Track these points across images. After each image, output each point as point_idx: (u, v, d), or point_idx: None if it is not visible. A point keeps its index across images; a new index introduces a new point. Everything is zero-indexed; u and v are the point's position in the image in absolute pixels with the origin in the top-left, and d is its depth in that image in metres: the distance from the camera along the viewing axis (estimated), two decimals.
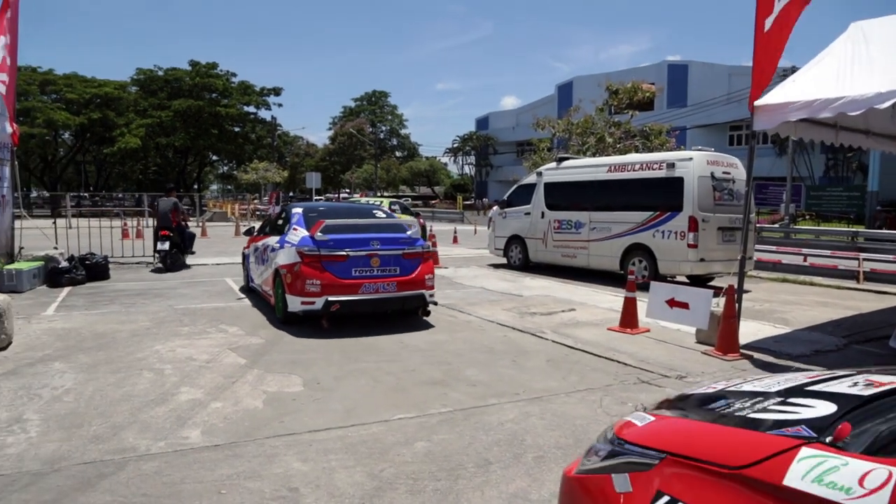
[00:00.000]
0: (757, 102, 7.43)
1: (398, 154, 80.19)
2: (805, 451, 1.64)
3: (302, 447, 4.12)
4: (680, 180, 11.02)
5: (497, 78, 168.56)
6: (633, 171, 11.95)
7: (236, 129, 51.47)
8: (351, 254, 7.64)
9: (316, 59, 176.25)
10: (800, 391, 2.12)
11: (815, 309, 10.11)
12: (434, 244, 15.89)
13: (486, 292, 11.16)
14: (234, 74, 50.73)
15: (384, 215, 9.37)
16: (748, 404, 2.10)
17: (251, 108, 52.16)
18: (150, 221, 14.54)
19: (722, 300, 7.08)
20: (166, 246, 13.34)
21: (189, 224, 15.40)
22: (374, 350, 6.82)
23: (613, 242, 12.11)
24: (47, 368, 5.86)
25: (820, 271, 14.17)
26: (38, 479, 3.61)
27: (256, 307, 9.27)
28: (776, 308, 10.01)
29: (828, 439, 1.67)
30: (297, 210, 8.86)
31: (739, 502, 1.66)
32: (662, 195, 11.32)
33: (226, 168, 66.66)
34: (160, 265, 13.52)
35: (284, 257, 7.94)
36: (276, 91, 52.58)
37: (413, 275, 7.96)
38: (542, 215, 13.71)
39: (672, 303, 7.55)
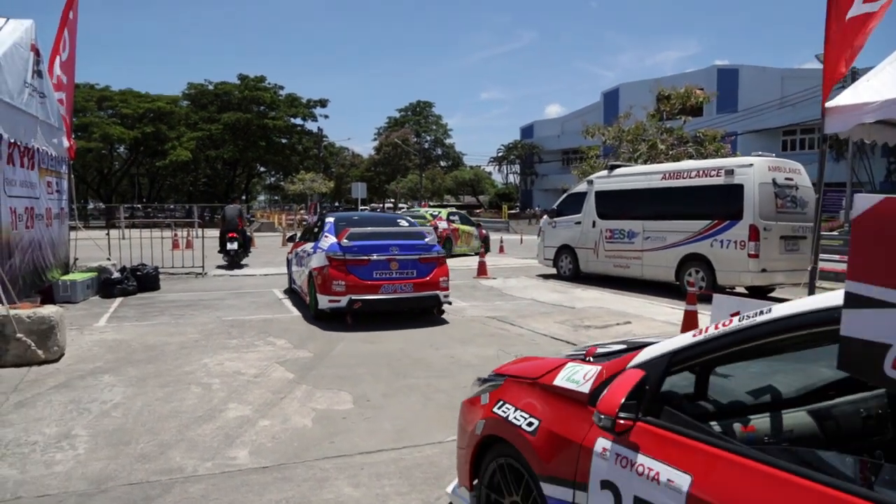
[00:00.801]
0: (829, 104, 7.00)
1: (443, 164, 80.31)
2: (569, 365, 2.60)
3: (353, 470, 3.92)
4: (740, 187, 10.54)
5: (541, 87, 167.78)
6: (690, 178, 11.51)
7: (283, 141, 52.31)
8: (373, 258, 8.61)
9: (361, 70, 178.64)
10: (621, 344, 3.04)
11: None
12: (483, 254, 15.68)
13: (536, 304, 10.86)
14: (281, 87, 51.67)
15: (407, 224, 10.16)
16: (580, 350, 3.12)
17: (298, 120, 53.00)
18: (200, 232, 14.91)
19: None
20: (235, 245, 15.56)
21: (247, 229, 17.26)
22: (423, 365, 6.61)
23: (669, 252, 11.66)
24: (97, 381, 5.83)
25: None
26: (85, 501, 3.49)
27: (303, 318, 9.18)
28: None
29: (585, 357, 2.71)
30: (330, 219, 9.76)
31: (534, 397, 2.65)
32: (721, 203, 10.85)
33: (273, 179, 67.85)
34: (226, 262, 15.70)
35: (316, 261, 8.96)
36: (323, 103, 53.34)
37: (428, 277, 8.89)
38: (594, 224, 13.34)
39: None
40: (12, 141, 8.14)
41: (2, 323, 6.32)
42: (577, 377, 2.44)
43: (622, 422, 2.05)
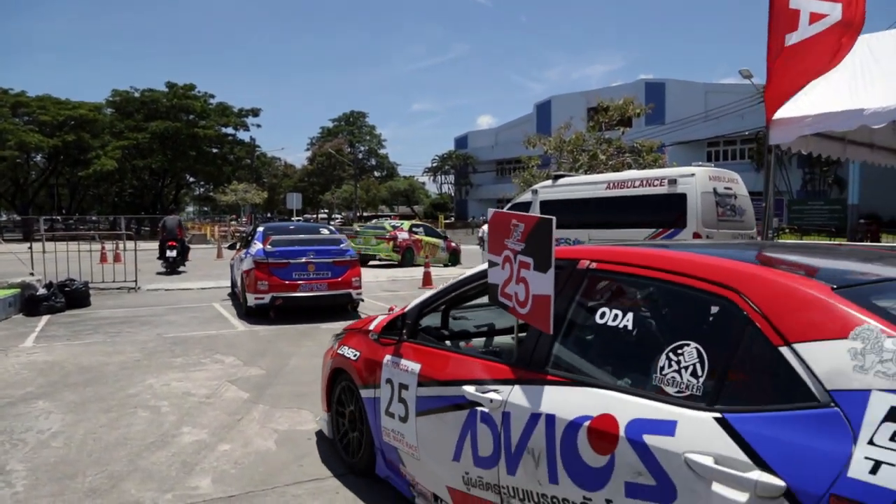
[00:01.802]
0: (774, 116, 7.22)
1: (377, 174, 79.86)
2: (379, 316, 4.04)
3: (329, 496, 3.69)
4: (683, 196, 10.80)
5: (472, 98, 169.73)
6: (634, 187, 11.73)
7: (214, 151, 50.62)
8: (291, 261, 9.90)
9: (293, 80, 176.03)
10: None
11: None
12: (427, 264, 15.55)
13: None
14: (212, 96, 50.10)
15: (328, 232, 11.87)
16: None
17: (229, 130, 51.49)
18: (130, 245, 14.29)
19: None
20: (174, 253, 17.27)
21: (185, 239, 18.99)
22: None
23: None
24: (30, 409, 5.35)
25: None
26: None
27: (248, 333, 8.80)
28: None
29: (389, 310, 4.16)
30: (260, 228, 11.23)
31: (358, 339, 3.98)
32: (665, 212, 11.09)
33: (202, 190, 65.71)
34: (165, 269, 17.27)
35: (246, 264, 10.21)
36: (255, 112, 52.01)
37: (341, 277, 10.19)
38: None
39: None
40: None
41: None
42: (378, 321, 3.92)
43: (385, 339, 3.68)
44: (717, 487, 1.75)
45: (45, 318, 9.99)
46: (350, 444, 4.07)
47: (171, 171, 48.78)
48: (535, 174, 20.36)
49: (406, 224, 21.66)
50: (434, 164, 70.31)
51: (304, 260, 9.94)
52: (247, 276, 10.00)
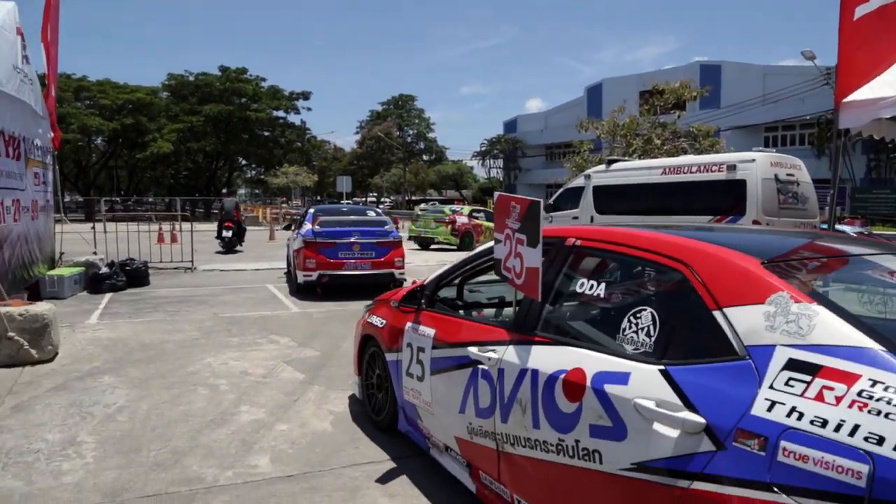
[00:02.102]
0: (844, 99, 6.88)
1: (425, 158, 79.93)
2: (411, 287, 4.22)
3: (385, 479, 3.71)
4: (742, 183, 10.46)
5: (521, 81, 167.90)
6: (691, 173, 11.41)
7: (266, 134, 51.47)
8: (337, 241, 10.44)
9: (342, 63, 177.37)
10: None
11: None
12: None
13: None
14: (263, 79, 50.81)
15: (374, 215, 12.34)
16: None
17: (280, 113, 52.20)
18: (186, 226, 14.73)
19: None
20: (230, 234, 18.50)
21: (242, 220, 20.40)
22: None
23: None
24: (97, 383, 5.55)
25: None
26: None
27: (302, 314, 8.94)
28: None
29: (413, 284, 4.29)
30: (311, 210, 11.87)
31: (385, 309, 4.43)
32: (723, 198, 10.77)
33: (254, 172, 66.95)
34: (222, 248, 18.48)
35: (297, 244, 11.00)
36: (306, 95, 52.52)
37: (385, 258, 10.65)
38: (591, 220, 13.20)
39: None
40: (2, 130, 7.77)
41: None
42: (402, 293, 4.39)
43: (405, 307, 4.16)
44: (656, 426, 2.14)
45: (107, 296, 10.35)
46: (377, 403, 4.59)
47: (224, 153, 49.83)
48: (587, 158, 20.02)
49: (466, 209, 21.83)
50: (483, 148, 69.83)
51: (349, 240, 10.45)
52: (297, 254, 10.78)
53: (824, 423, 1.76)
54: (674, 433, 2.08)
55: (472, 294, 4.65)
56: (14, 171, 8.56)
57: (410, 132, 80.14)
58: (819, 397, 1.82)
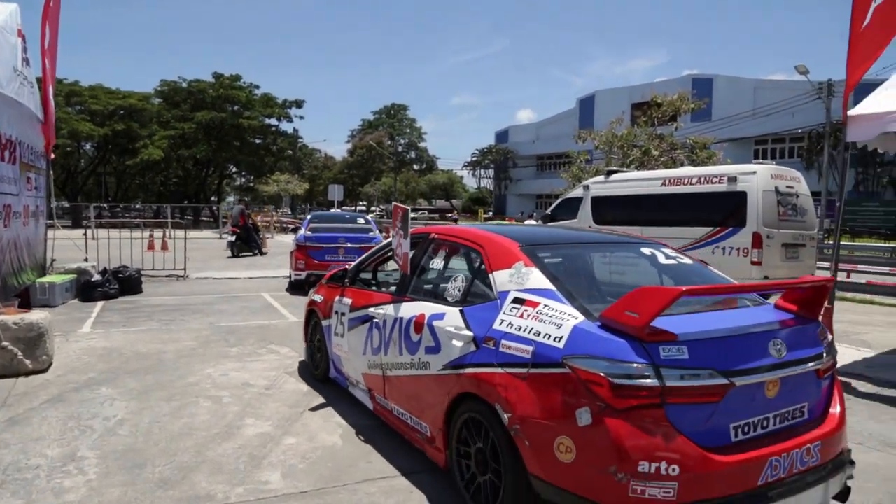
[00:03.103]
0: (851, 112, 6.86)
1: (416, 167, 79.93)
2: (339, 270, 5.86)
3: (402, 495, 3.59)
4: (743, 195, 10.42)
5: (513, 92, 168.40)
6: (691, 184, 11.37)
7: (258, 141, 51.09)
8: (324, 245, 11.87)
9: (335, 72, 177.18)
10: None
11: (891, 331, 9.50)
12: None
13: None
14: (257, 86, 50.44)
15: (363, 222, 13.87)
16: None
17: (273, 121, 51.90)
18: (178, 233, 14.86)
19: None
20: (233, 238, 19.85)
21: (256, 226, 21.61)
22: None
23: None
24: (95, 395, 5.38)
25: (877, 289, 13.51)
26: None
27: (300, 324, 8.76)
28: (848, 329, 9.39)
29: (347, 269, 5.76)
30: (308, 216, 13.99)
31: (323, 287, 5.98)
32: (724, 210, 10.72)
33: (242, 180, 66.53)
34: (230, 253, 19.74)
35: (292, 246, 12.55)
36: (299, 103, 52.21)
37: None
38: (590, 229, 13.14)
39: None
40: (1, 133, 7.60)
41: None
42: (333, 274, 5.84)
43: (333, 285, 5.62)
44: (454, 341, 3.58)
45: (100, 304, 10.14)
46: (317, 361, 6.02)
47: (215, 160, 49.38)
48: (583, 168, 20.02)
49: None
50: (474, 158, 70.04)
51: (335, 245, 11.86)
52: (291, 256, 12.52)
53: (520, 328, 3.19)
54: (460, 343, 3.53)
55: (386, 275, 5.98)
56: (8, 175, 8.36)
57: (402, 141, 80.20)
58: (521, 316, 3.24)
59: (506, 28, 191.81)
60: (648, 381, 2.65)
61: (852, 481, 3.20)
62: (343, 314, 5.18)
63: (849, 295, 12.98)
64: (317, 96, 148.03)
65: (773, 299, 3.70)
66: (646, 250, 4.16)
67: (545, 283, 3.29)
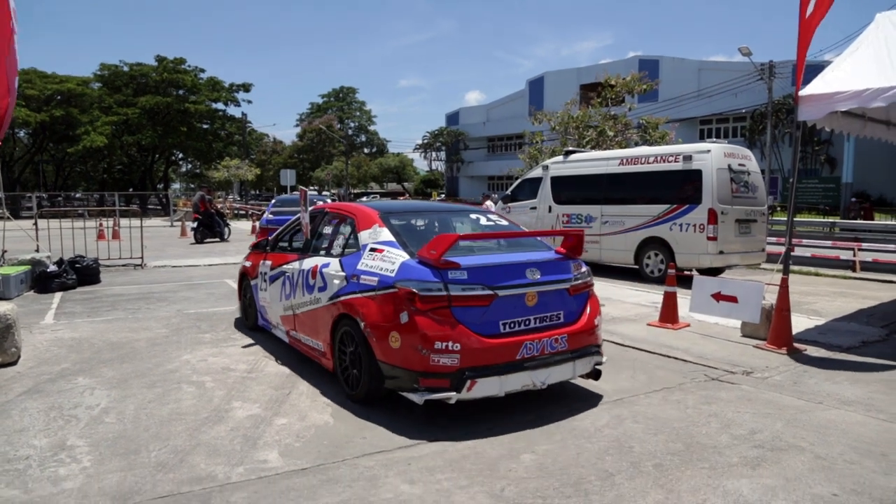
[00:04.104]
0: (802, 92, 7.18)
1: (367, 150, 79.27)
2: (261, 243, 7.62)
3: (401, 466, 3.70)
4: (698, 172, 10.82)
5: (461, 74, 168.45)
6: (648, 163, 11.72)
7: (205, 127, 49.94)
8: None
9: (282, 55, 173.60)
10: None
11: (837, 300, 10.03)
12: None
13: None
14: (202, 70, 49.26)
15: (322, 204, 15.57)
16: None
17: (220, 105, 50.74)
18: (123, 222, 14.70)
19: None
20: (195, 225, 20.11)
21: (220, 212, 21.89)
22: None
23: (628, 236, 11.87)
24: (72, 385, 5.30)
25: (821, 262, 14.24)
26: None
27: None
28: (799, 300, 9.86)
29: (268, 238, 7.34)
30: (273, 200, 15.78)
31: (251, 254, 7.57)
32: (680, 188, 11.11)
33: (189, 166, 64.85)
34: (194, 240, 20.06)
35: (257, 229, 14.73)
36: (246, 87, 51.21)
37: None
38: (550, 209, 13.41)
39: (719, 297, 7.28)
40: None
41: None
42: (258, 243, 7.55)
43: (258, 251, 7.26)
44: (335, 280, 5.08)
45: (58, 295, 9.87)
46: (248, 315, 7.45)
47: (161, 147, 48.09)
48: (540, 149, 20.29)
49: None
50: (425, 141, 69.72)
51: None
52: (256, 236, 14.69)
53: (371, 267, 4.71)
54: (338, 281, 5.01)
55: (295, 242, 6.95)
56: None
57: (352, 125, 79.36)
58: (373, 259, 4.77)
59: (451, 9, 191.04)
60: (440, 293, 4.26)
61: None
62: (266, 273, 6.70)
63: (795, 268, 13.60)
64: (264, 80, 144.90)
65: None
66: (473, 216, 5.98)
67: (390, 237, 4.92)
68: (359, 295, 4.69)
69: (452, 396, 4.16)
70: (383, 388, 4.53)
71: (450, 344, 4.15)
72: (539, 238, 5.61)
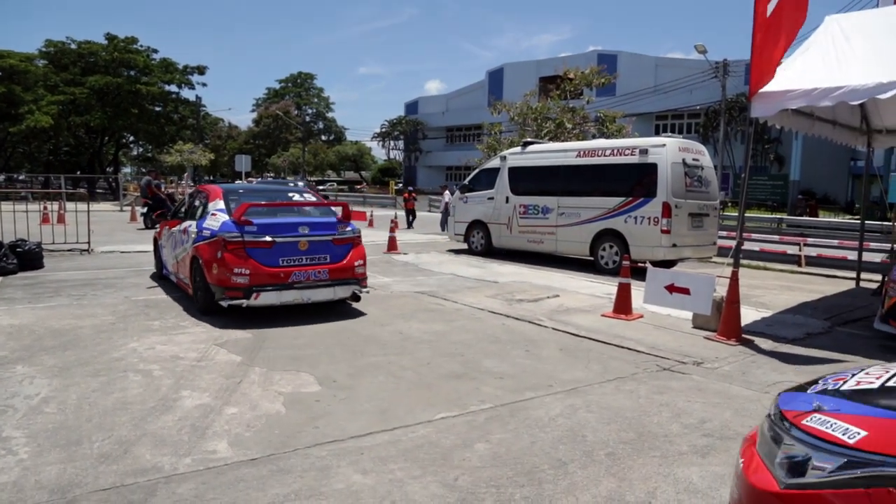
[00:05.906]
0: (757, 90, 7.33)
1: (325, 138, 78.28)
2: (164, 213, 11.15)
3: (353, 456, 3.65)
4: (653, 166, 10.98)
5: (420, 63, 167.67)
6: (604, 156, 11.85)
7: (157, 109, 48.33)
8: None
9: (239, 37, 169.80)
10: None
11: (783, 293, 10.33)
12: (392, 229, 15.34)
13: (459, 279, 10.81)
14: (155, 50, 47.55)
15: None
16: None
17: (173, 87, 49.20)
18: (69, 206, 14.16)
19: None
20: (144, 210, 19.75)
21: (172, 196, 21.85)
22: (375, 342, 6.35)
23: (583, 228, 11.99)
24: (9, 373, 5.07)
25: (769, 256, 14.67)
26: None
27: None
28: (748, 293, 10.08)
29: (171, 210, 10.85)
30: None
31: (162, 226, 9.88)
32: (635, 181, 11.27)
33: (141, 150, 62.90)
34: (143, 225, 19.58)
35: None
36: (201, 70, 49.67)
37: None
38: (507, 200, 13.45)
39: (672, 288, 7.42)
40: None
41: None
42: (163, 213, 10.97)
43: (165, 221, 9.59)
44: (192, 234, 7.71)
45: None
46: (158, 268, 9.73)
47: (111, 129, 46.42)
48: (499, 140, 20.35)
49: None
50: (383, 129, 69.18)
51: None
52: None
53: (210, 224, 7.41)
54: (193, 235, 7.57)
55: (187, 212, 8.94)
56: None
57: (309, 111, 78.25)
58: (211, 220, 7.47)
59: None
60: (238, 238, 6.86)
61: None
62: (165, 235, 9.11)
63: (744, 262, 13.96)
64: (220, 64, 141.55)
65: None
66: (291, 194, 8.57)
67: (222, 206, 7.51)
68: (201, 242, 7.24)
69: (244, 303, 6.76)
70: (214, 300, 6.90)
71: (244, 270, 6.74)
72: (332, 209, 8.20)
